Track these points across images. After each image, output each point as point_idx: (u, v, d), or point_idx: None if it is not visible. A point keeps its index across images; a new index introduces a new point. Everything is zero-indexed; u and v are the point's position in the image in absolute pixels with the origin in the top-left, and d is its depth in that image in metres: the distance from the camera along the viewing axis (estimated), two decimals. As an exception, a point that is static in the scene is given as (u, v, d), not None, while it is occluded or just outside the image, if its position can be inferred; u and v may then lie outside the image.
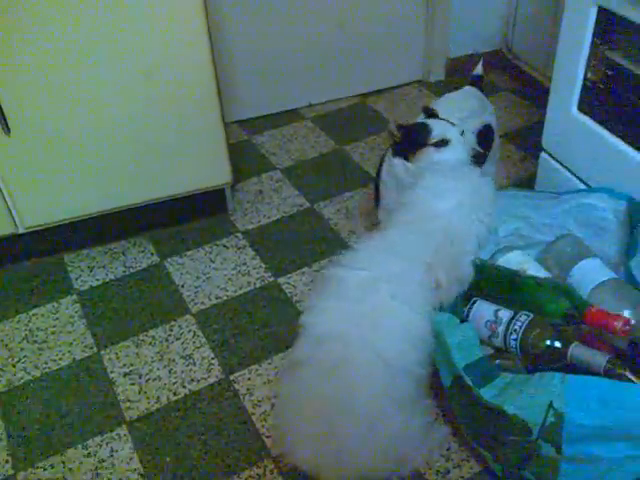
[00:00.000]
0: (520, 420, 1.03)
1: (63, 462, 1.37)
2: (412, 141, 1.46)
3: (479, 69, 1.85)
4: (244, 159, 2.19)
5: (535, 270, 1.36)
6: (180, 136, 1.74)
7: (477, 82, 1.82)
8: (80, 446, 1.40)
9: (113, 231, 1.90)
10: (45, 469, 1.36)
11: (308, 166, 2.17)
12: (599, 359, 1.08)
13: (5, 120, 1.57)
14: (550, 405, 1.00)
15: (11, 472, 1.36)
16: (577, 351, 1.11)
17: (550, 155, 1.48)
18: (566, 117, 1.38)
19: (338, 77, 2.44)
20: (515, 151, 2.15)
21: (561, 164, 1.45)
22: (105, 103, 1.63)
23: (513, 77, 2.48)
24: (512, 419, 1.04)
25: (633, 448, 1.02)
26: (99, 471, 1.35)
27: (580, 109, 1.35)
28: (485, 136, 1.58)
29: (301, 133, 2.33)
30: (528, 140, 2.15)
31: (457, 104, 1.67)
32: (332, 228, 1.90)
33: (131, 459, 1.36)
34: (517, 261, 1.39)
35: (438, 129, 1.42)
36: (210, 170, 1.84)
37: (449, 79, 2.54)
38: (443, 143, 1.42)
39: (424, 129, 1.44)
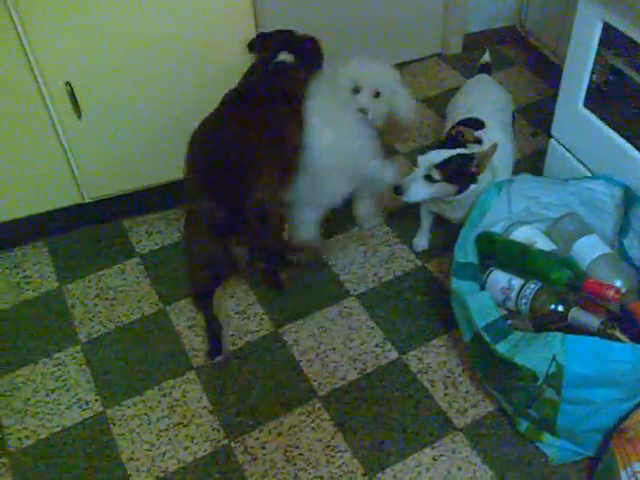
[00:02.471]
0: (528, 369, 1.28)
1: (143, 401, 1.65)
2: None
3: (486, 57, 2.05)
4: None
5: (543, 243, 1.60)
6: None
7: (486, 69, 2.04)
8: (157, 388, 1.67)
9: (167, 200, 2.13)
10: (129, 407, 1.64)
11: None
12: (594, 321, 1.32)
13: (78, 106, 1.79)
14: (553, 358, 1.25)
15: (101, 409, 1.64)
16: (576, 314, 1.36)
17: (558, 142, 1.69)
18: (573, 112, 1.58)
19: (360, 51, 2.60)
20: (527, 124, 2.35)
21: (567, 150, 1.67)
22: (159, 88, 1.84)
23: (526, 52, 2.66)
24: (522, 369, 1.29)
25: (618, 393, 1.27)
26: (175, 408, 1.63)
27: (585, 106, 1.56)
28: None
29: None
30: (539, 115, 2.35)
31: (484, 97, 1.86)
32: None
33: (201, 398, 1.64)
34: (527, 235, 1.63)
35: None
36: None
37: (465, 53, 2.71)
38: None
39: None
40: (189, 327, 1.80)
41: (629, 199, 1.46)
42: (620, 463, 1.27)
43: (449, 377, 1.63)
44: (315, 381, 1.66)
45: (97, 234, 2.09)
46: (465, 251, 1.49)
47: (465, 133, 1.63)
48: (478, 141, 1.63)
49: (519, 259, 1.55)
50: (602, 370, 1.24)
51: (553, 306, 1.40)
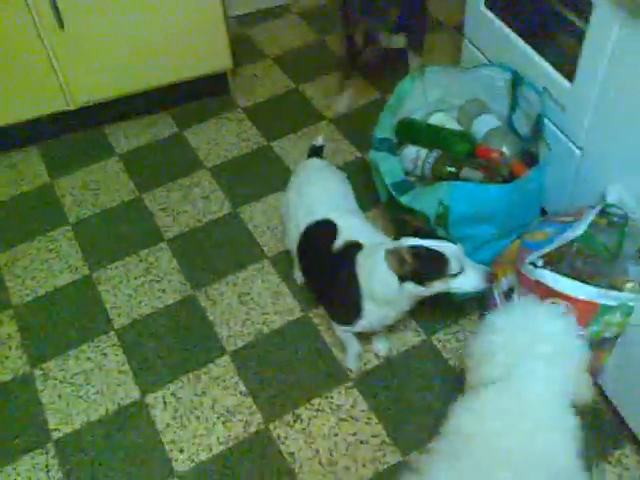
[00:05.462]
0: (422, 213, 1.61)
1: (124, 265, 1.98)
2: (429, 271, 1.37)
3: (320, 140, 1.82)
4: (241, 49, 2.67)
5: (452, 125, 1.91)
6: (190, 30, 2.23)
7: (318, 152, 1.82)
8: (134, 255, 2.00)
9: (141, 109, 2.43)
10: (111, 270, 1.97)
11: (294, 54, 2.66)
12: (477, 176, 1.65)
13: (60, 16, 2.07)
14: (440, 202, 1.57)
15: (87, 272, 1.98)
16: (465, 173, 1.68)
17: (469, 40, 1.99)
18: (477, 12, 1.87)
19: None
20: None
21: (474, 46, 1.96)
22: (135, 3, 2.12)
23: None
24: (418, 213, 1.62)
25: (493, 229, 1.60)
26: (149, 270, 1.96)
27: (486, 6, 1.85)
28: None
29: (289, 27, 2.80)
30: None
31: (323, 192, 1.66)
32: (314, 105, 2.43)
33: (171, 261, 1.97)
34: (440, 120, 1.94)
35: (454, 260, 1.36)
36: (215, 57, 2.35)
37: None
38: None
39: (442, 259, 1.35)
40: (161, 209, 2.13)
41: (516, 81, 1.76)
42: (495, 285, 1.61)
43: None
44: (265, 246, 1.99)
45: (82, 138, 2.40)
46: (383, 129, 1.80)
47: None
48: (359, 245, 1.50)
49: (431, 137, 1.86)
50: (478, 207, 1.56)
51: (449, 168, 1.72)
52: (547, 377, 1.15)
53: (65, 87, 2.23)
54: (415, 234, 1.42)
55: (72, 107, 2.29)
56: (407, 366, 1.69)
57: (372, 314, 1.48)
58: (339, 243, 1.52)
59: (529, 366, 1.16)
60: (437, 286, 1.37)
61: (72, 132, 2.41)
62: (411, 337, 1.75)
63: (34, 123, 2.31)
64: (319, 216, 1.58)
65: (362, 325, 1.51)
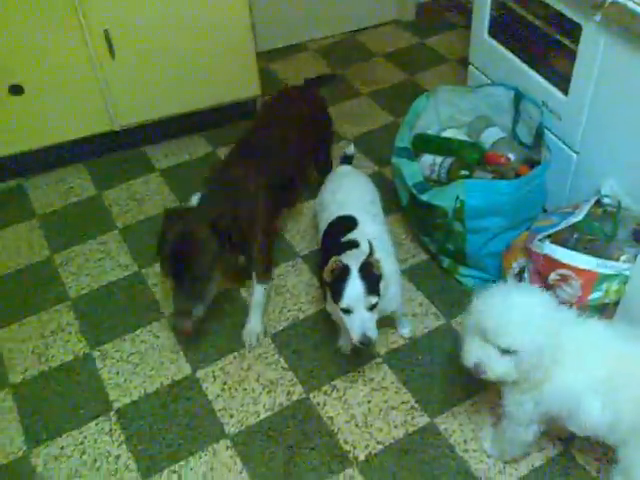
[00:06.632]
0: (441, 208, 1.85)
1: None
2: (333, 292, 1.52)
3: (351, 149, 2.06)
4: (266, 79, 2.95)
5: (462, 138, 2.18)
6: (227, 61, 2.51)
7: (349, 161, 2.05)
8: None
9: (178, 131, 2.69)
10: (156, 268, 2.19)
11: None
12: (488, 177, 1.91)
13: (112, 48, 2.34)
14: (457, 197, 1.82)
15: (137, 269, 2.19)
16: (477, 175, 1.94)
17: (473, 65, 2.28)
18: (481, 40, 2.17)
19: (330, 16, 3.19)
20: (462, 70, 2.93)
21: (478, 70, 2.25)
22: (178, 33, 2.40)
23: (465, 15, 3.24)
24: (437, 208, 1.86)
25: (504, 221, 1.84)
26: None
27: (490, 34, 2.14)
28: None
29: (307, 61, 3.10)
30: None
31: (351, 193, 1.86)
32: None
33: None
34: (452, 134, 2.21)
35: (348, 299, 1.48)
36: (246, 86, 2.63)
37: (419, 20, 3.29)
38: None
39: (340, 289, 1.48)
40: (200, 216, 2.36)
41: (518, 97, 2.04)
42: (506, 269, 1.84)
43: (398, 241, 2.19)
44: (297, 247, 2.22)
45: (124, 157, 2.65)
46: (402, 139, 2.06)
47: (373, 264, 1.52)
48: (356, 245, 1.62)
49: (445, 147, 2.13)
50: (490, 201, 1.80)
51: (463, 171, 1.98)
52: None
53: (111, 110, 2.49)
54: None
55: (116, 128, 2.54)
56: (430, 345, 1.90)
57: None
58: (348, 237, 1.66)
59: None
60: (338, 311, 1.51)
61: (115, 151, 2.65)
62: (433, 321, 1.96)
63: (81, 142, 2.56)
64: (347, 212, 1.76)
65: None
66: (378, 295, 1.50)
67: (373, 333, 1.49)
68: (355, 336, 1.49)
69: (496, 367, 1.31)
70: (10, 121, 2.39)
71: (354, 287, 1.47)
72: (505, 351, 1.29)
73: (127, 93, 2.48)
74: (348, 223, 1.72)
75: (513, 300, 1.30)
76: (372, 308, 1.49)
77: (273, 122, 2.07)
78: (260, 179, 1.87)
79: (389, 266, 1.62)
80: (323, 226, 1.81)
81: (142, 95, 2.50)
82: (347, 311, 1.49)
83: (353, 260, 1.50)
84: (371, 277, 1.49)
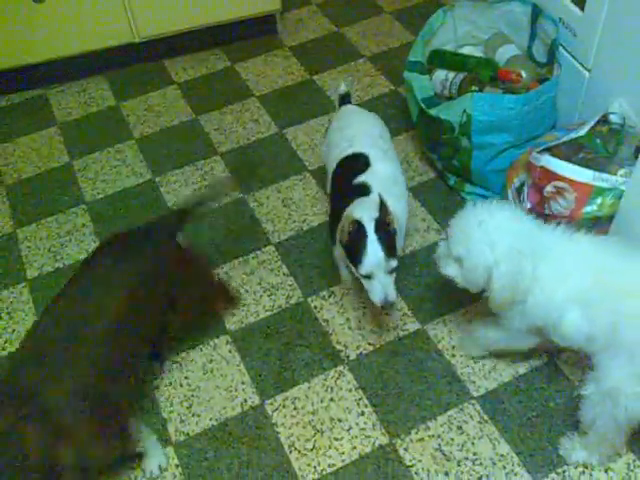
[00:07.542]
0: (448, 122, 1.85)
1: (182, 172, 2.26)
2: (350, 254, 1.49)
3: (343, 88, 1.97)
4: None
5: (478, 54, 2.15)
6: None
7: (348, 99, 1.96)
8: (192, 164, 2.28)
9: (197, 45, 2.70)
10: (172, 176, 2.25)
11: (337, 1, 2.90)
12: (498, 92, 1.89)
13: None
14: (464, 111, 1.81)
15: (151, 177, 2.26)
16: (487, 89, 1.92)
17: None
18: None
19: None
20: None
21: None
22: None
23: None
24: (444, 122, 1.86)
25: (509, 137, 1.84)
26: (204, 177, 2.23)
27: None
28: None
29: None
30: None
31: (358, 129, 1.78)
32: (353, 45, 2.67)
33: (224, 171, 2.24)
34: (469, 51, 2.18)
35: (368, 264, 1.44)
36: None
37: None
38: None
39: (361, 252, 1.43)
40: (215, 129, 2.40)
41: (535, 13, 1.99)
42: (508, 185, 1.84)
43: (408, 160, 2.21)
44: (306, 161, 2.25)
45: (143, 69, 2.68)
46: (416, 53, 2.04)
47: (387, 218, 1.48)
48: (368, 191, 1.57)
49: (459, 63, 2.10)
50: (497, 116, 1.79)
51: (473, 87, 1.96)
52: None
53: (132, 21, 2.50)
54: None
55: (137, 40, 2.56)
56: (428, 258, 1.93)
57: None
58: (359, 179, 1.61)
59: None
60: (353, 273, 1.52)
61: (135, 63, 2.68)
62: (434, 236, 1.99)
63: (102, 54, 2.59)
64: (357, 149, 1.68)
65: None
66: (397, 257, 1.46)
67: (393, 296, 1.46)
68: (377, 301, 1.47)
69: (446, 268, 1.47)
70: (34, 29, 2.43)
71: (374, 252, 1.42)
72: (456, 258, 1.42)
73: (148, 4, 2.48)
74: (358, 164, 1.64)
75: (475, 215, 1.39)
76: (393, 271, 1.46)
77: (85, 294, 1.39)
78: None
79: (402, 210, 1.61)
80: (332, 166, 1.74)
81: (162, 7, 2.50)
82: (367, 277, 1.46)
83: (366, 213, 1.44)
84: (389, 237, 1.45)
